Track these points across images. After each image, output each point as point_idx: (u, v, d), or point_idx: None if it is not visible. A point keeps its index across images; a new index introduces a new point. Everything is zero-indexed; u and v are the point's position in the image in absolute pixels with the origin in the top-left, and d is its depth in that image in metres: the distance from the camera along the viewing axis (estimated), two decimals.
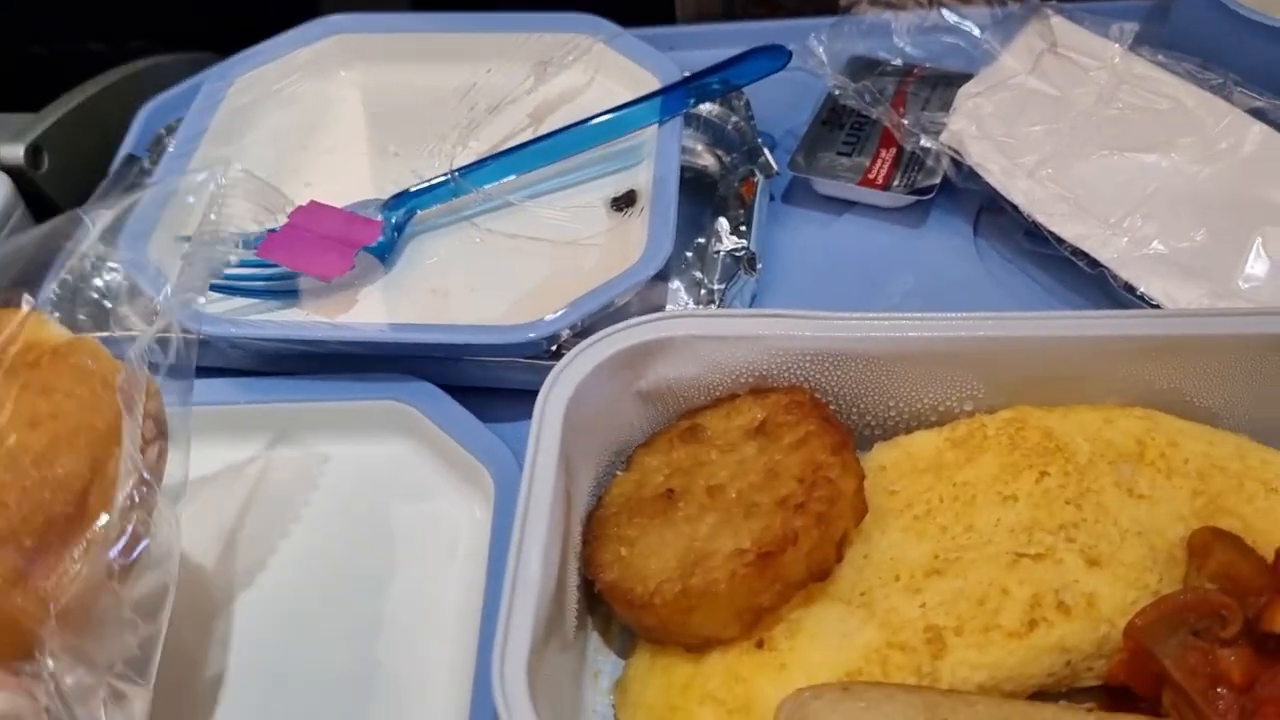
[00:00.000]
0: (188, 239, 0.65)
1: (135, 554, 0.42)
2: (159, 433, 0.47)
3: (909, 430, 0.55)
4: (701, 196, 0.72)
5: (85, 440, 0.43)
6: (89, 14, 1.19)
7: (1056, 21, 0.70)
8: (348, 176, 0.72)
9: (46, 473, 0.42)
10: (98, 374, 0.46)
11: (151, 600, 0.43)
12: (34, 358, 0.45)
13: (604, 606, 0.52)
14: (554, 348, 0.61)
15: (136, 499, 0.42)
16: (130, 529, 0.42)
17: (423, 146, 0.73)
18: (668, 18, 1.05)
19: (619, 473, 0.55)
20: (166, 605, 0.44)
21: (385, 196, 0.68)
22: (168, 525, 0.45)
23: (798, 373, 0.54)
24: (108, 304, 0.70)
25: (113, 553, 0.41)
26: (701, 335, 0.54)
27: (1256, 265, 0.60)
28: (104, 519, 0.42)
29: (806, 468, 0.49)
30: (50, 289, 0.70)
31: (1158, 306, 0.60)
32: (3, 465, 0.41)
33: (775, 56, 0.71)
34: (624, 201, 0.69)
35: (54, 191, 0.89)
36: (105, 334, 0.66)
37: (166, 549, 0.45)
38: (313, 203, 0.66)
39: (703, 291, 0.66)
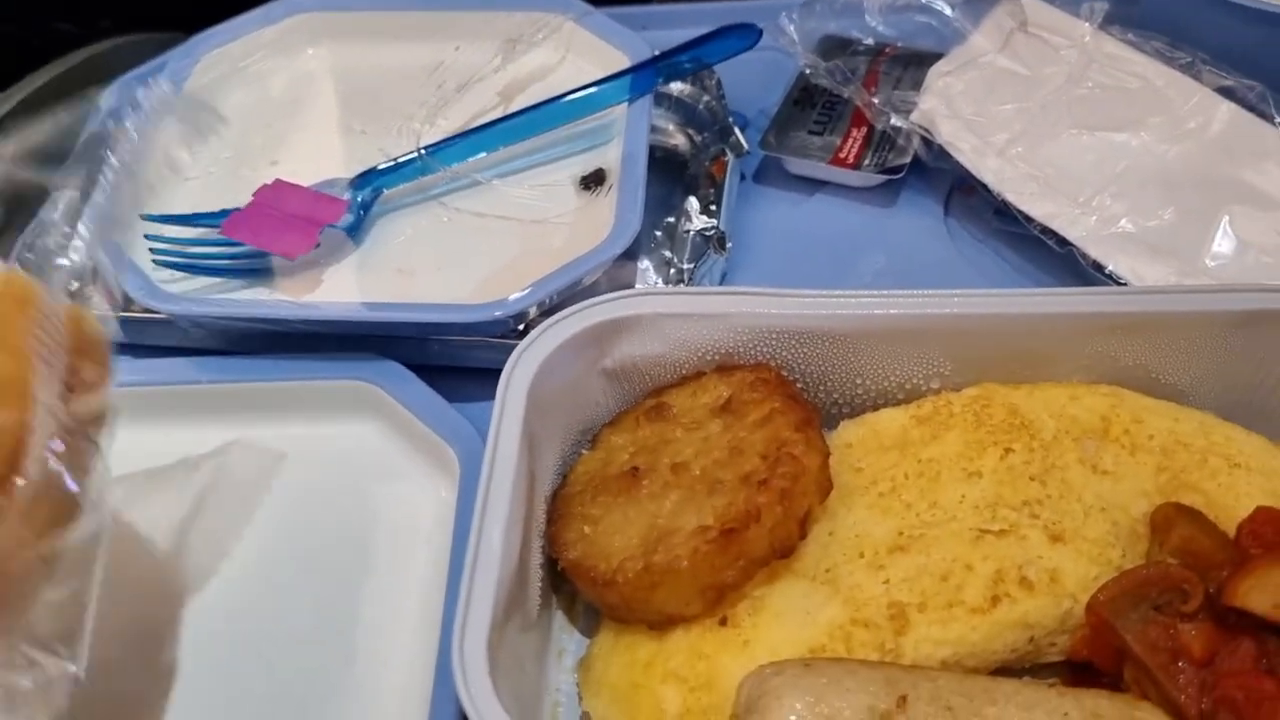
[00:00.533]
0: (151, 218, 0.65)
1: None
2: (99, 363, 0.45)
3: (876, 408, 0.55)
4: (672, 176, 0.72)
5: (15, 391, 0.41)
6: None
7: (1027, 0, 0.70)
8: (314, 155, 0.71)
9: None
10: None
11: (80, 554, 0.42)
12: None
13: (568, 585, 0.52)
14: (521, 326, 0.60)
15: (58, 448, 0.41)
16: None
17: (390, 125, 0.72)
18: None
19: (585, 451, 0.55)
20: (98, 560, 0.42)
21: (352, 175, 0.68)
22: (98, 472, 0.43)
23: (764, 350, 0.54)
24: (74, 284, 0.69)
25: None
26: (667, 313, 0.54)
27: (1223, 243, 0.60)
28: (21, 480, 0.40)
29: (770, 445, 0.49)
30: (13, 267, 0.69)
31: (1127, 284, 0.60)
32: None
33: (746, 35, 0.71)
34: (593, 180, 0.68)
35: (18, 169, 0.88)
36: None
37: (97, 495, 0.43)
38: (278, 181, 0.65)
39: (672, 271, 0.66)
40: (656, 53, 0.72)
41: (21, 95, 0.91)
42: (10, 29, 1.24)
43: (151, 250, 0.64)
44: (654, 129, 0.71)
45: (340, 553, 0.56)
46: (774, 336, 0.54)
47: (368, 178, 0.67)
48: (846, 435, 0.53)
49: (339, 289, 0.63)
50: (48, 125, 0.91)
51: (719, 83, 0.75)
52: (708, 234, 0.66)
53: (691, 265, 0.65)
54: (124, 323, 0.65)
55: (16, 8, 1.20)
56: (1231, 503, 0.48)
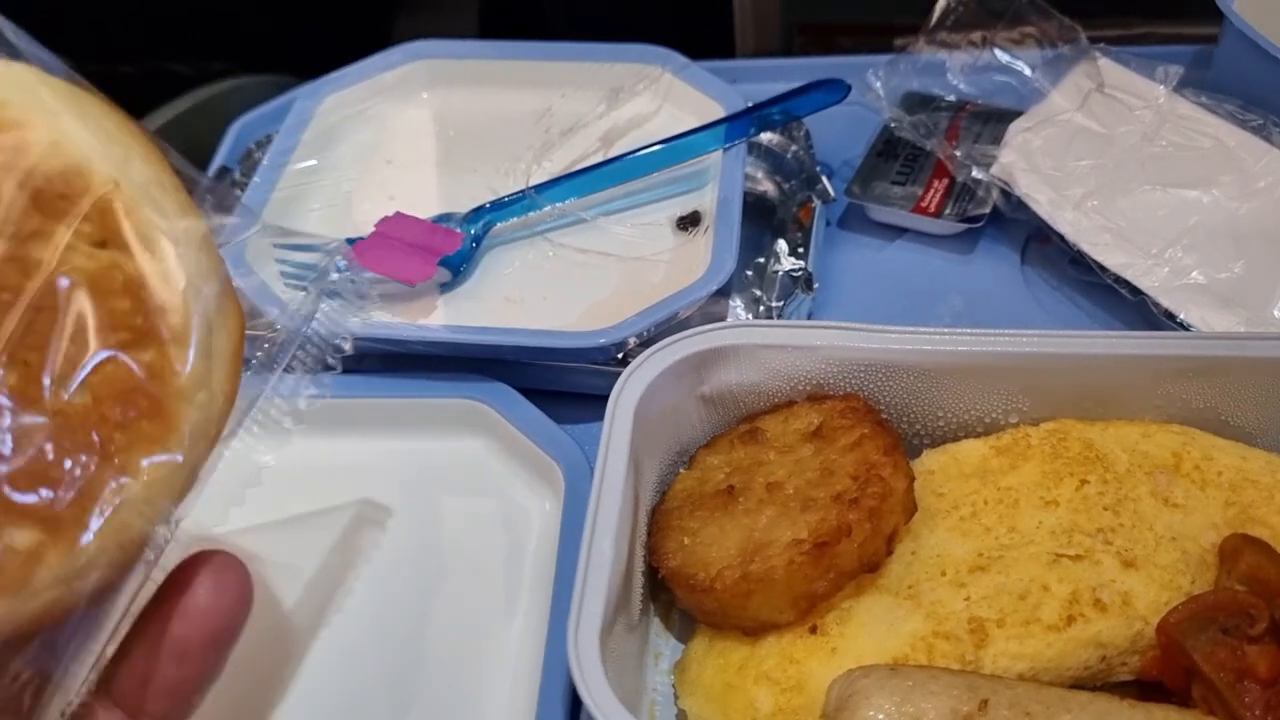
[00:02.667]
0: (282, 245, 0.70)
1: None
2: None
3: (956, 438, 0.59)
4: (762, 220, 0.76)
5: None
6: (173, 36, 1.26)
7: (1104, 63, 0.74)
8: (428, 191, 0.77)
9: None
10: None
11: None
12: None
13: (665, 594, 0.56)
14: (620, 355, 0.65)
15: None
16: None
17: (500, 165, 0.78)
18: (728, 53, 1.10)
19: (682, 470, 0.59)
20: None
21: (464, 210, 0.73)
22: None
23: (852, 382, 0.58)
24: None
25: None
26: (763, 344, 0.58)
27: None
28: None
29: (860, 466, 0.53)
30: None
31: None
32: None
33: (835, 89, 0.75)
34: (689, 221, 0.73)
35: None
36: None
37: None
38: (399, 213, 0.70)
39: (761, 308, 0.70)
40: (749, 104, 0.77)
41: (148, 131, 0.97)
42: (127, 70, 1.31)
43: (283, 274, 0.69)
44: (745, 176, 0.76)
45: (452, 556, 0.60)
46: (862, 369, 0.57)
47: (480, 213, 0.72)
48: (929, 463, 0.57)
49: (452, 315, 0.68)
50: (171, 161, 0.97)
51: (807, 133, 0.79)
52: (795, 274, 0.71)
53: (780, 304, 0.69)
54: (251, 340, 0.70)
55: (133, 50, 1.28)
56: None
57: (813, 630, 0.51)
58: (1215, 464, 0.54)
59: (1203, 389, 0.56)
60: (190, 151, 0.93)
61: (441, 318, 0.68)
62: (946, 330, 0.57)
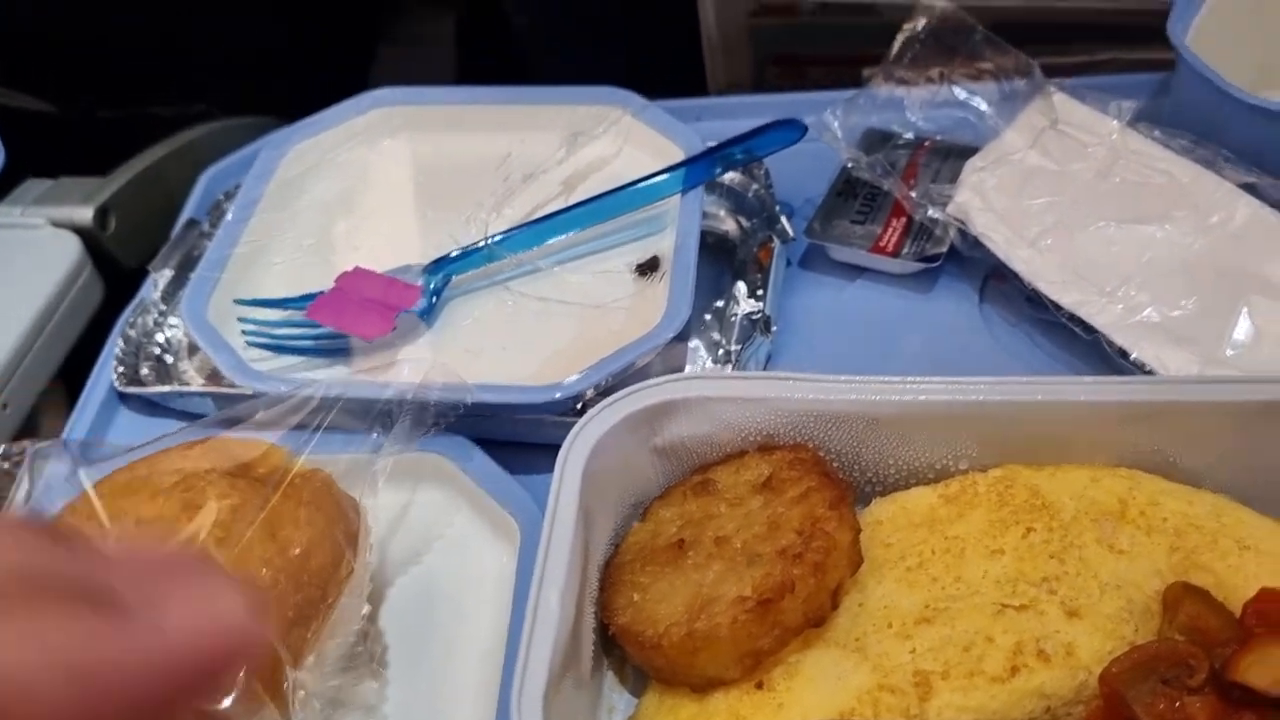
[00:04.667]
0: (243, 302, 0.71)
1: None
2: None
3: (906, 485, 0.59)
4: (721, 260, 0.77)
5: (330, 542, 0.55)
6: (153, 80, 1.27)
7: (1058, 98, 0.74)
8: (392, 241, 0.77)
9: (305, 565, 0.54)
10: (335, 493, 0.59)
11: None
12: (282, 475, 0.57)
13: (619, 648, 0.56)
14: (579, 405, 0.65)
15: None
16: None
17: (461, 212, 0.78)
18: (699, 87, 1.10)
19: (636, 523, 0.59)
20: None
21: (425, 260, 0.73)
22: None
23: (803, 431, 0.58)
24: (168, 359, 0.75)
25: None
26: (713, 396, 0.58)
27: (1241, 333, 0.63)
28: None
29: (806, 521, 0.53)
30: (116, 343, 0.76)
31: (1150, 370, 0.63)
32: (278, 553, 0.53)
33: (791, 130, 0.75)
34: (648, 267, 0.73)
35: (119, 251, 0.95)
36: (168, 388, 0.72)
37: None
38: (357, 268, 0.71)
39: (720, 351, 0.70)
40: (709, 144, 0.77)
41: (122, 180, 0.98)
42: (109, 113, 1.32)
43: (244, 332, 0.69)
44: (705, 214, 0.76)
45: (406, 612, 0.61)
46: (812, 419, 0.58)
47: (439, 264, 0.72)
48: (878, 512, 0.57)
49: (408, 369, 0.69)
50: (145, 208, 0.98)
51: (767, 172, 0.80)
52: (754, 317, 0.71)
53: (739, 347, 0.70)
54: (215, 397, 0.71)
55: (114, 93, 1.28)
56: (1240, 583, 0.51)
57: (759, 686, 0.51)
58: (1161, 509, 0.54)
59: (1151, 432, 0.56)
60: (167, 200, 0.95)
61: (401, 371, 0.68)
62: (893, 380, 0.57)
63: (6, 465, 0.66)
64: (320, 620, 0.52)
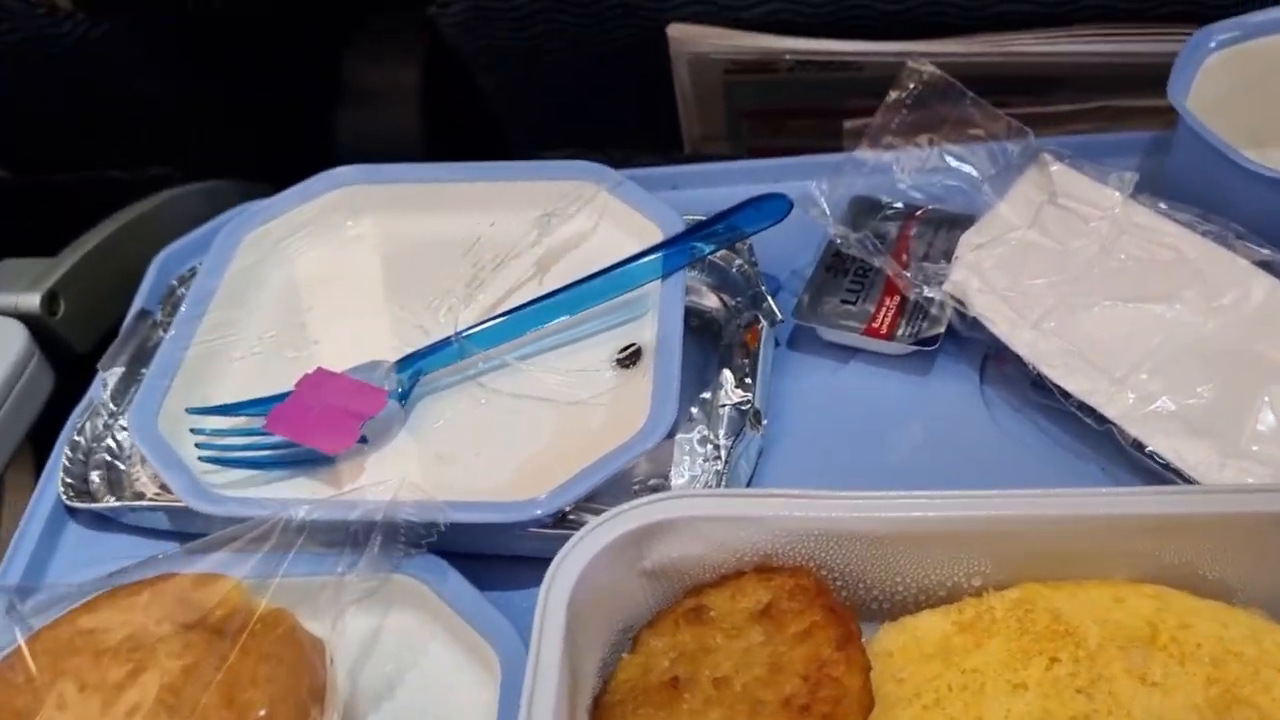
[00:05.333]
0: (196, 411, 0.66)
1: None
2: None
3: (917, 605, 0.55)
4: (706, 343, 0.73)
5: (294, 700, 0.50)
6: (106, 143, 1.22)
7: (1056, 170, 0.70)
8: (356, 334, 0.73)
9: None
10: (300, 641, 0.54)
11: None
12: (242, 623, 0.52)
13: None
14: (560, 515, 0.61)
15: None
16: None
17: (429, 300, 0.74)
18: (675, 141, 1.07)
19: (625, 655, 0.55)
20: None
21: (393, 355, 0.69)
22: None
23: (802, 551, 0.54)
24: (120, 465, 0.71)
25: None
26: (705, 516, 0.54)
27: (1264, 425, 0.59)
28: None
29: (811, 664, 0.48)
30: (63, 450, 0.71)
31: (1166, 464, 0.59)
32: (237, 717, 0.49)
33: (776, 207, 0.72)
34: (629, 359, 0.69)
35: (70, 336, 0.90)
36: (119, 503, 0.67)
37: None
38: (320, 370, 0.67)
39: (710, 447, 0.66)
40: (686, 221, 0.73)
41: (71, 261, 0.93)
42: (62, 179, 1.27)
43: (197, 445, 0.65)
44: (688, 290, 0.72)
45: None
46: (811, 538, 0.53)
47: (408, 362, 0.68)
48: (887, 642, 0.53)
49: (375, 480, 0.64)
50: (97, 289, 0.93)
51: (751, 247, 0.76)
52: (743, 408, 0.67)
53: (729, 441, 0.65)
54: (170, 511, 0.66)
55: (67, 157, 1.24)
56: None
57: None
58: (1194, 633, 0.50)
59: (1177, 545, 0.52)
60: (122, 277, 0.90)
61: (370, 490, 0.64)
62: (900, 494, 0.53)
63: None
64: None
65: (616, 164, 0.79)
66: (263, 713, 0.49)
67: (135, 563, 0.60)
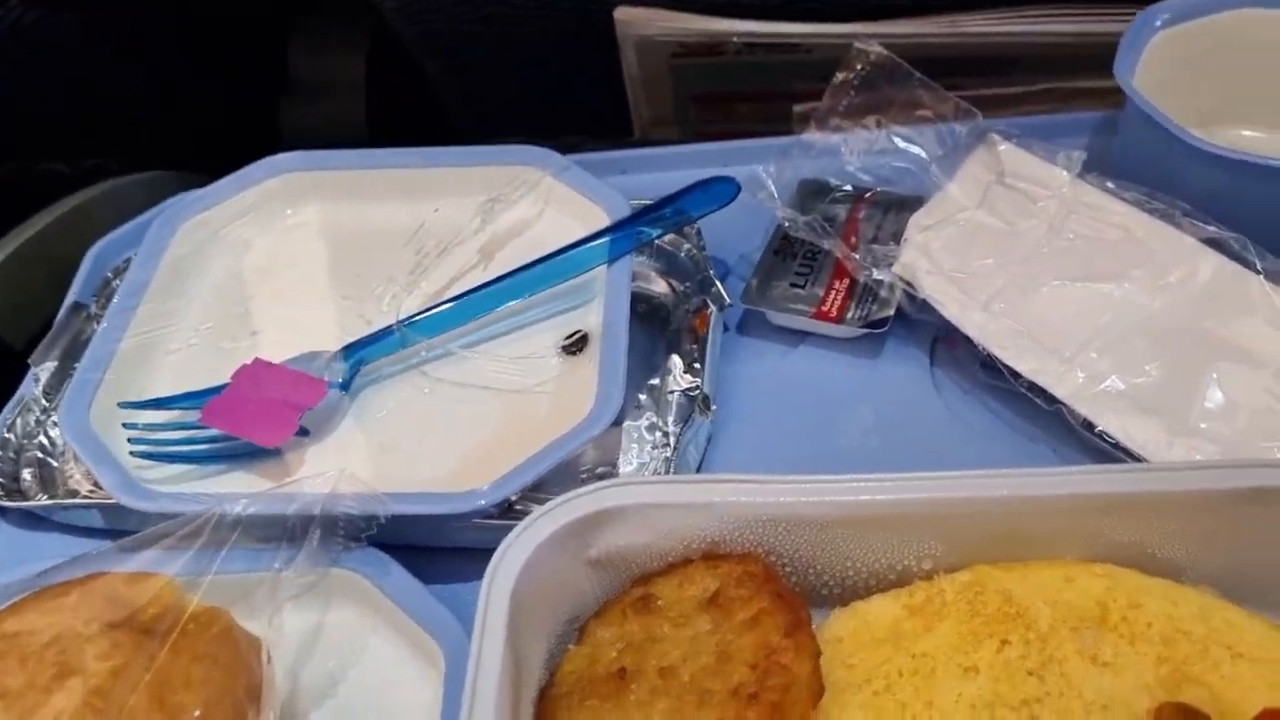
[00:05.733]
0: (127, 405, 0.64)
1: None
2: None
3: (868, 589, 0.54)
4: (654, 329, 0.72)
5: (230, 701, 0.48)
6: (46, 134, 1.19)
7: (1004, 150, 0.70)
8: (295, 324, 0.71)
9: None
10: (236, 640, 0.52)
11: None
12: (173, 622, 0.51)
13: None
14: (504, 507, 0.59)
15: None
16: None
17: (372, 289, 0.72)
18: (624, 125, 1.05)
19: (571, 646, 0.54)
20: None
21: (333, 344, 0.67)
22: None
23: (751, 537, 0.53)
24: (53, 463, 0.68)
25: None
26: (652, 503, 0.53)
27: (1212, 402, 0.59)
28: None
29: (760, 652, 0.48)
30: None
31: (1115, 443, 0.59)
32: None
33: (724, 190, 0.71)
34: (575, 345, 0.68)
35: (5, 333, 0.87)
36: (52, 501, 0.65)
37: None
38: (257, 361, 0.65)
39: (658, 434, 0.65)
40: (634, 205, 0.72)
41: (5, 253, 0.91)
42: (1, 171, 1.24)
43: (130, 440, 0.63)
44: (635, 275, 0.71)
45: None
46: (760, 524, 0.53)
47: (349, 351, 0.66)
48: (837, 628, 0.52)
49: (314, 473, 0.62)
50: (31, 282, 0.91)
51: (699, 231, 0.75)
52: (692, 394, 0.66)
53: (678, 428, 0.64)
54: (104, 509, 0.65)
55: (3, 148, 1.20)
56: (1237, 696, 0.47)
57: None
58: (1144, 612, 0.50)
59: (1126, 523, 0.52)
60: (56, 272, 0.87)
61: (299, 478, 0.62)
62: (848, 478, 0.52)
63: None
64: None
65: (566, 150, 0.78)
66: (197, 714, 0.47)
67: (64, 561, 0.58)
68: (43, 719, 0.45)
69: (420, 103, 1.22)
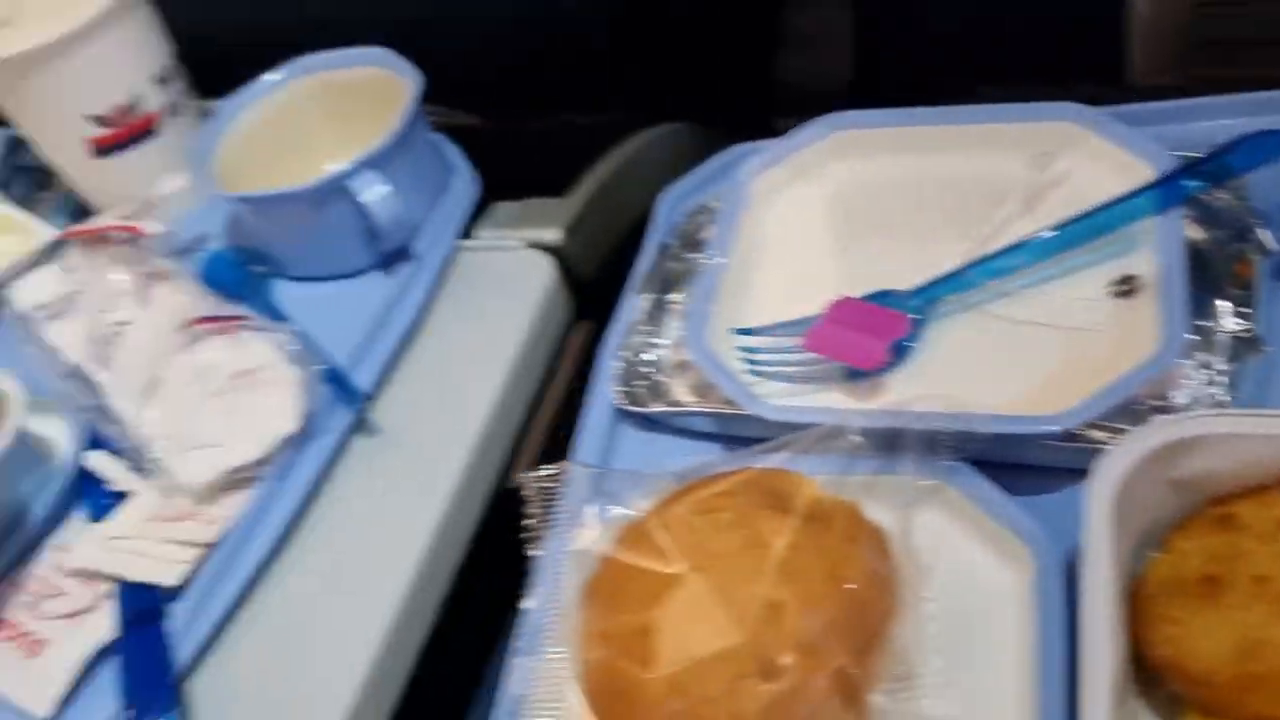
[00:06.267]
0: (740, 331, 0.77)
1: None
2: None
3: None
4: (1194, 274, 0.76)
5: (875, 577, 0.60)
6: (577, 90, 1.35)
7: None
8: (863, 266, 0.82)
9: (859, 598, 0.59)
10: (869, 527, 0.63)
11: None
12: (823, 509, 0.62)
13: (1143, 674, 0.59)
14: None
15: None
16: None
17: (924, 239, 0.82)
18: (1114, 76, 1.08)
19: (1152, 553, 0.61)
20: None
21: (900, 284, 0.78)
22: None
23: None
24: (658, 378, 0.83)
25: None
26: (1232, 433, 0.59)
27: None
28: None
29: None
30: (610, 364, 0.84)
31: None
32: (836, 589, 0.59)
33: (1276, 144, 0.74)
34: (1127, 289, 0.74)
35: (581, 268, 1.04)
36: (666, 407, 0.80)
37: None
38: (846, 298, 0.76)
39: (1207, 371, 0.70)
40: (1179, 159, 0.77)
41: (581, 201, 1.07)
42: (533, 125, 1.42)
43: (746, 361, 0.76)
44: None
45: (935, 634, 0.65)
46: None
47: (921, 291, 0.76)
48: None
49: (897, 396, 0.73)
50: (598, 226, 1.07)
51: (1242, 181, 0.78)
52: (1242, 336, 0.71)
53: (1230, 366, 0.70)
54: (713, 416, 0.78)
55: (531, 104, 1.37)
56: None
57: None
58: None
59: None
60: (615, 216, 1.04)
61: (888, 399, 0.73)
62: None
63: (545, 484, 0.75)
64: (877, 651, 0.58)
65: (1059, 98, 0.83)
66: (853, 586, 0.59)
67: (701, 462, 0.72)
68: (744, 578, 0.58)
69: (910, 60, 1.29)
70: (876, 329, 0.74)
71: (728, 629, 0.57)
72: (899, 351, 0.75)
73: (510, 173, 1.14)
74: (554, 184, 1.12)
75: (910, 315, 0.75)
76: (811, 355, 0.74)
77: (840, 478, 0.67)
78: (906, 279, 0.78)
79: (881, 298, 0.77)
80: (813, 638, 0.56)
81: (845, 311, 0.75)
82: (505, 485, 0.89)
